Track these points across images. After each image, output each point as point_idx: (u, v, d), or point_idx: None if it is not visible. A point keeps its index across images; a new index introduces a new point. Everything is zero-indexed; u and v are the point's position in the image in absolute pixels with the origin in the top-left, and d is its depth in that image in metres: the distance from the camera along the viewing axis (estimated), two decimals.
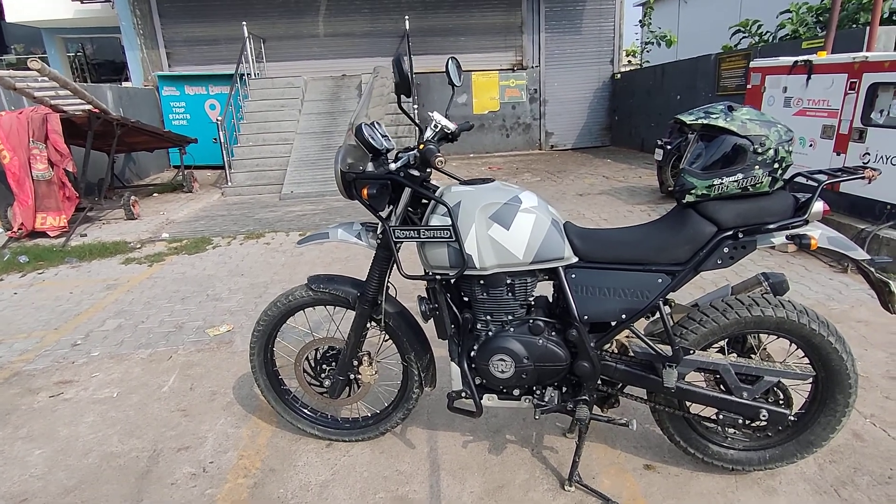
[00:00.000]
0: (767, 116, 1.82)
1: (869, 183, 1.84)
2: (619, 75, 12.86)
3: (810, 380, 1.96)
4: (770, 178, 1.79)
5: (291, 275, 4.80)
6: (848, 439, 2.30)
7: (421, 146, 1.90)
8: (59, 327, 3.90)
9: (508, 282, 1.99)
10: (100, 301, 4.37)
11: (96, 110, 6.73)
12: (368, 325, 2.27)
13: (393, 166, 1.92)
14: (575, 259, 1.96)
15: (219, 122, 9.01)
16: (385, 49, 12.08)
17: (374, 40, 12.07)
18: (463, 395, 2.12)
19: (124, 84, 11.94)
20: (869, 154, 4.44)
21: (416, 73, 10.74)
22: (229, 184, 9.14)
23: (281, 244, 5.88)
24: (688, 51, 12.56)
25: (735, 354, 2.03)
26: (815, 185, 1.81)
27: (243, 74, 10.66)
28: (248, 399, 2.85)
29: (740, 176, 1.78)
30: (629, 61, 13.72)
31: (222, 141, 9.05)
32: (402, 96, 1.84)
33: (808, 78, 5.02)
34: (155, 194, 9.06)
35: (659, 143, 6.93)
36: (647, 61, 13.34)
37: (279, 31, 11.95)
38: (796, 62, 5.14)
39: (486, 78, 12.56)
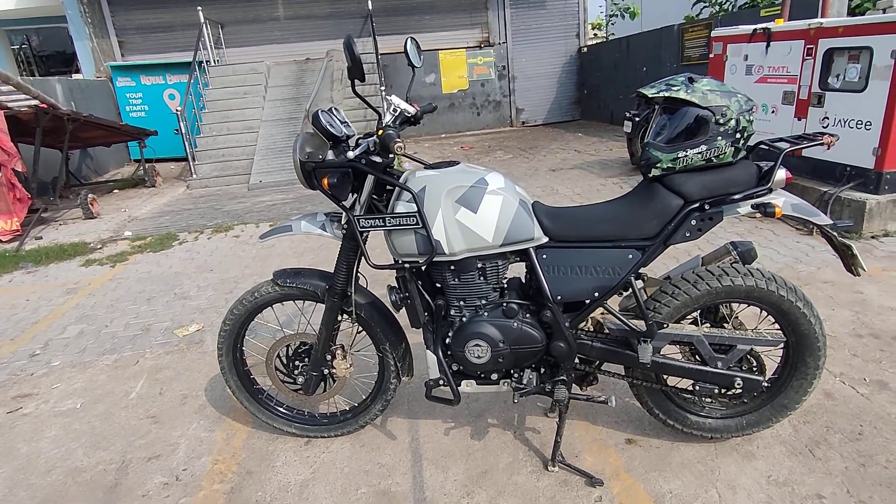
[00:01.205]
0: (728, 86, 1.81)
1: (828, 148, 1.85)
2: (585, 49, 12.85)
3: (781, 345, 1.98)
4: (733, 149, 1.78)
5: (263, 268, 4.68)
6: (819, 399, 2.35)
7: (380, 131, 1.83)
8: (15, 337, 3.73)
9: (479, 266, 1.95)
10: (59, 307, 4.19)
11: (44, 106, 6.40)
12: (340, 317, 2.21)
13: (351, 154, 1.84)
14: (545, 239, 1.92)
15: (179, 113, 8.68)
16: (349, 30, 11.72)
17: (337, 22, 11.75)
18: (441, 382, 2.08)
19: (75, 76, 11.33)
20: (828, 118, 4.52)
21: (381, 55, 10.52)
22: (194, 176, 8.87)
23: (251, 236, 5.73)
24: (651, 22, 12.61)
25: (708, 325, 2.04)
26: (777, 153, 1.81)
27: (202, 62, 10.28)
28: (221, 401, 2.76)
29: (704, 147, 1.76)
30: (595, 34, 13.74)
31: (184, 132, 8.74)
32: (355, 80, 1.76)
33: (768, 45, 5.07)
34: (115, 191, 8.71)
35: (627, 115, 6.97)
36: (613, 34, 13.39)
37: (237, 16, 11.54)
38: (755, 30, 5.17)
39: (454, 56, 12.41)
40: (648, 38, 10.11)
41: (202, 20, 10.18)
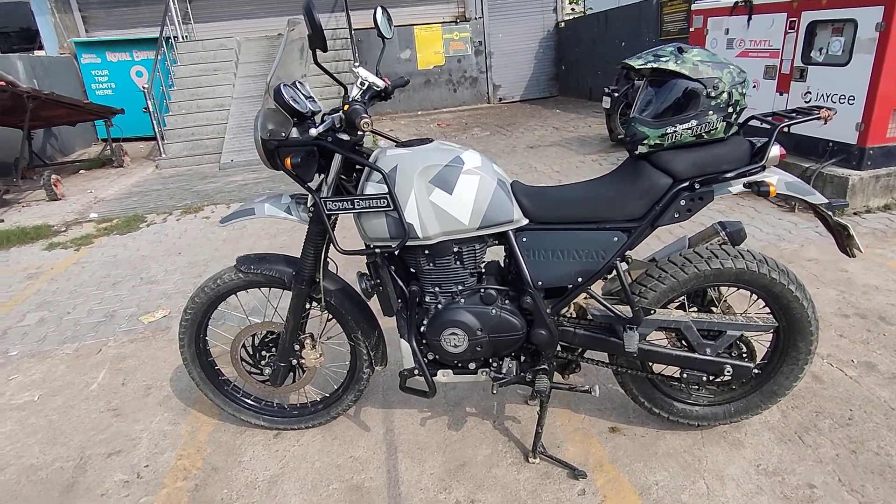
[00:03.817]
0: (719, 57, 1.68)
1: (825, 123, 1.73)
2: (563, 24, 12.63)
3: (773, 330, 1.89)
4: (725, 124, 1.66)
5: (233, 250, 4.50)
6: (808, 382, 2.29)
7: (346, 107, 1.67)
8: None
9: (455, 250, 1.82)
10: (20, 293, 3.98)
11: (2, 83, 6.07)
12: (308, 305, 2.08)
13: (314, 131, 1.67)
14: (525, 221, 1.80)
15: (146, 91, 8.33)
16: (321, 5, 11.37)
17: None
18: (416, 372, 1.97)
19: (37, 53, 10.81)
20: (810, 93, 4.43)
21: (355, 30, 10.18)
22: (163, 155, 8.56)
23: (219, 218, 5.52)
24: None
25: (696, 309, 1.95)
26: (771, 128, 1.69)
27: (170, 37, 9.84)
28: (186, 391, 2.62)
29: (694, 122, 1.64)
30: (573, 9, 13.46)
31: (152, 110, 8.40)
32: (317, 50, 1.59)
33: (749, 18, 4.94)
34: (82, 171, 8.39)
35: (606, 90, 6.83)
36: (591, 8, 13.13)
37: None
38: (737, 3, 5.03)
39: (429, 31, 12.10)
40: (627, 13, 9.92)
41: None
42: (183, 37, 10.50)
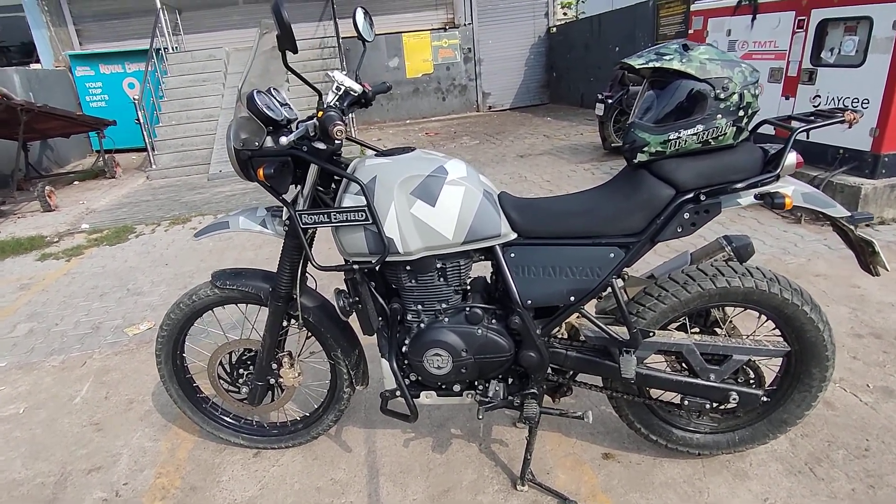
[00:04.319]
0: (729, 55, 1.54)
1: (850, 127, 1.59)
2: (554, 29, 12.45)
3: (784, 355, 1.76)
4: (735, 129, 1.52)
5: (220, 261, 4.44)
6: (819, 409, 2.14)
7: (320, 113, 1.57)
8: None
9: (439, 266, 1.71)
10: (11, 304, 3.93)
11: None
12: (286, 322, 1.98)
13: (284, 140, 1.57)
14: (513, 235, 1.68)
15: (136, 102, 8.36)
16: (310, 14, 11.35)
17: (299, 5, 11.25)
18: (398, 393, 1.86)
19: (33, 66, 10.93)
20: (819, 96, 4.26)
21: (343, 38, 10.11)
22: (154, 166, 8.57)
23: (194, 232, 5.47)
24: None
25: (698, 330, 1.82)
26: (788, 133, 1.55)
27: (160, 49, 9.92)
28: (168, 406, 2.54)
29: (700, 128, 1.51)
30: (564, 13, 13.30)
31: (142, 121, 8.42)
32: (286, 52, 1.49)
33: (754, 18, 4.77)
34: (76, 182, 8.42)
35: (599, 97, 6.67)
36: (583, 12, 12.98)
37: (195, 1, 11.11)
38: (740, 2, 4.86)
39: (418, 39, 12.00)
40: (621, 16, 9.72)
41: (159, 6, 9.82)
42: (173, 48, 10.55)
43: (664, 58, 1.53)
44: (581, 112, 10.93)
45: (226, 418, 2.21)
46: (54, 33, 10.80)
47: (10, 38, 13.75)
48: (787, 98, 4.54)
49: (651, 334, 1.68)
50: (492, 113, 12.75)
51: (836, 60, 4.12)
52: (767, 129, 1.82)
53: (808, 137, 1.80)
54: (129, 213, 6.42)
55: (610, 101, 6.49)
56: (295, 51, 1.46)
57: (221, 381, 2.10)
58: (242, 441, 2.19)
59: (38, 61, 11.27)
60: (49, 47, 10.82)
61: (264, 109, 1.63)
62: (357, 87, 1.68)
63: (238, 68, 10.15)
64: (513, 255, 1.69)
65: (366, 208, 1.60)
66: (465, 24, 12.18)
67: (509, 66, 12.74)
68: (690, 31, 5.56)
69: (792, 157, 1.54)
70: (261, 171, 1.62)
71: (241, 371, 2.08)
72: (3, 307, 3.89)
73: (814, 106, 4.25)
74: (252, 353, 2.06)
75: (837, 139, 4.13)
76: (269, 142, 1.69)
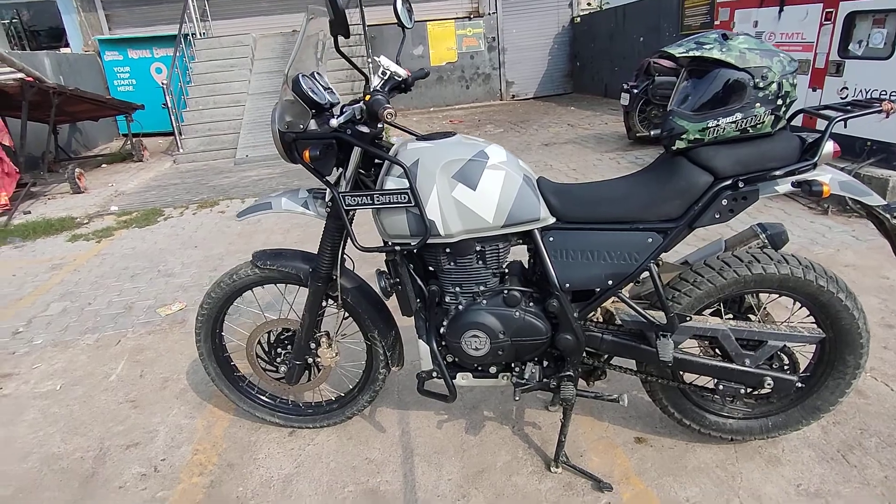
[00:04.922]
0: (768, 45, 1.55)
1: (887, 117, 1.60)
2: (578, 19, 12.39)
3: (818, 342, 1.77)
4: (773, 117, 1.54)
5: (248, 244, 4.50)
6: (851, 397, 2.12)
7: (367, 97, 1.60)
8: None
9: (478, 249, 1.74)
10: (44, 283, 4.03)
11: (30, 79, 6.19)
12: (325, 302, 2.02)
13: (335, 122, 1.60)
14: (552, 220, 1.70)
15: (164, 86, 8.46)
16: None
17: None
18: (434, 374, 1.90)
19: (63, 51, 11.08)
20: (847, 88, 4.21)
21: (368, 26, 10.13)
22: (181, 150, 8.70)
23: (236, 212, 5.52)
24: None
25: (731, 316, 1.83)
26: (826, 121, 1.56)
27: (188, 35, 10.01)
28: (202, 385, 2.60)
29: (739, 116, 1.52)
30: (589, 3, 13.20)
31: (170, 105, 8.52)
32: (338, 37, 1.52)
33: (781, 10, 4.73)
34: (104, 165, 8.55)
35: (625, 87, 6.67)
36: (608, 3, 12.85)
37: None
38: None
39: (442, 27, 12.01)
40: (646, 7, 9.67)
41: None
42: (201, 34, 10.65)
43: (704, 47, 1.54)
44: (605, 102, 10.88)
45: (262, 397, 2.26)
46: (84, 18, 10.95)
47: (40, 22, 13.97)
48: (813, 90, 4.50)
49: (688, 319, 1.70)
50: (515, 102, 12.73)
51: (864, 53, 4.08)
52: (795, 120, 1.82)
53: (845, 127, 1.79)
54: (157, 196, 6.52)
55: (635, 90, 6.49)
56: (347, 35, 1.48)
57: (259, 360, 2.14)
58: (278, 420, 2.24)
59: (67, 45, 11.43)
60: (79, 32, 10.97)
61: (309, 93, 1.66)
62: (402, 72, 1.70)
63: (265, 54, 10.22)
64: (551, 238, 1.71)
65: (408, 191, 1.62)
66: (489, 13, 12.16)
67: (533, 56, 12.72)
68: (717, 22, 5.52)
69: (829, 146, 1.55)
70: (307, 153, 1.65)
71: (278, 350, 2.12)
72: (36, 286, 3.98)
73: (841, 98, 4.21)
74: (290, 333, 2.10)
75: (865, 131, 4.09)
76: (312, 125, 1.72)
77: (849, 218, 3.96)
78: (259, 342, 2.13)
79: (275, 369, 2.14)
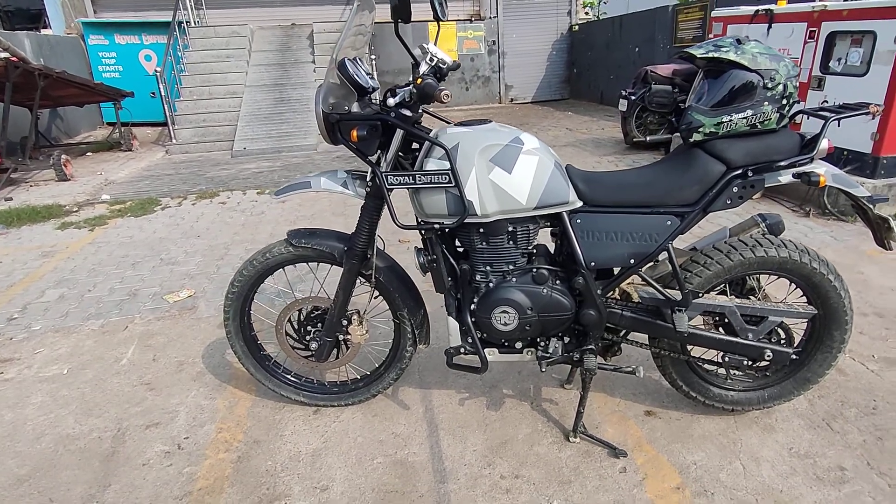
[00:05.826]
0: (774, 50, 1.76)
1: (873, 118, 1.82)
2: (577, 27, 12.74)
3: (810, 318, 1.96)
4: (778, 115, 1.74)
5: (254, 235, 4.52)
6: (832, 375, 2.36)
7: (419, 80, 1.71)
8: None
9: (510, 229, 1.87)
10: (35, 270, 3.96)
11: (14, 59, 5.98)
12: (357, 281, 2.11)
13: (392, 101, 1.70)
14: (579, 203, 1.85)
15: (158, 74, 8.28)
16: None
17: None
18: (462, 350, 2.01)
19: (43, 32, 10.61)
20: (827, 101, 4.53)
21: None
22: (174, 141, 8.52)
23: (238, 203, 5.52)
24: (640, 3, 12.57)
25: (734, 295, 2.01)
26: (823, 120, 1.78)
27: (181, 22, 9.79)
28: (220, 368, 2.64)
29: (750, 112, 1.72)
30: (587, 13, 13.61)
31: (163, 95, 8.34)
32: (399, 22, 1.63)
33: (769, 27, 5.05)
34: (89, 153, 8.33)
35: (623, 93, 6.92)
36: (605, 13, 13.28)
37: None
38: (757, 11, 5.15)
39: (444, 29, 12.13)
40: (642, 18, 10.07)
41: None
42: (195, 22, 10.43)
43: (722, 49, 1.73)
44: (601, 108, 11.22)
45: (288, 376, 2.32)
46: None
47: (15, 2, 13.34)
48: (798, 102, 4.81)
49: (700, 295, 1.87)
50: (514, 105, 12.98)
51: (843, 69, 4.41)
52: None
53: (839, 126, 2.01)
54: (151, 186, 6.42)
55: (633, 97, 6.71)
56: (408, 20, 1.59)
57: (289, 338, 2.21)
58: (303, 398, 2.31)
59: (46, 27, 10.93)
60: (60, 13, 10.51)
61: (355, 76, 1.76)
62: (448, 59, 1.82)
63: (262, 46, 10.09)
64: (579, 220, 1.86)
65: (449, 172, 1.74)
66: (490, 17, 12.37)
67: (532, 61, 12.99)
68: (710, 35, 5.83)
69: (825, 143, 1.76)
70: (354, 133, 1.75)
71: (308, 328, 2.19)
72: (27, 273, 3.91)
73: (822, 104, 4.54)
74: (320, 311, 2.18)
75: (842, 141, 4.42)
76: (355, 107, 1.82)
77: (828, 220, 4.28)
78: (289, 320, 2.20)
79: (304, 347, 2.21)
